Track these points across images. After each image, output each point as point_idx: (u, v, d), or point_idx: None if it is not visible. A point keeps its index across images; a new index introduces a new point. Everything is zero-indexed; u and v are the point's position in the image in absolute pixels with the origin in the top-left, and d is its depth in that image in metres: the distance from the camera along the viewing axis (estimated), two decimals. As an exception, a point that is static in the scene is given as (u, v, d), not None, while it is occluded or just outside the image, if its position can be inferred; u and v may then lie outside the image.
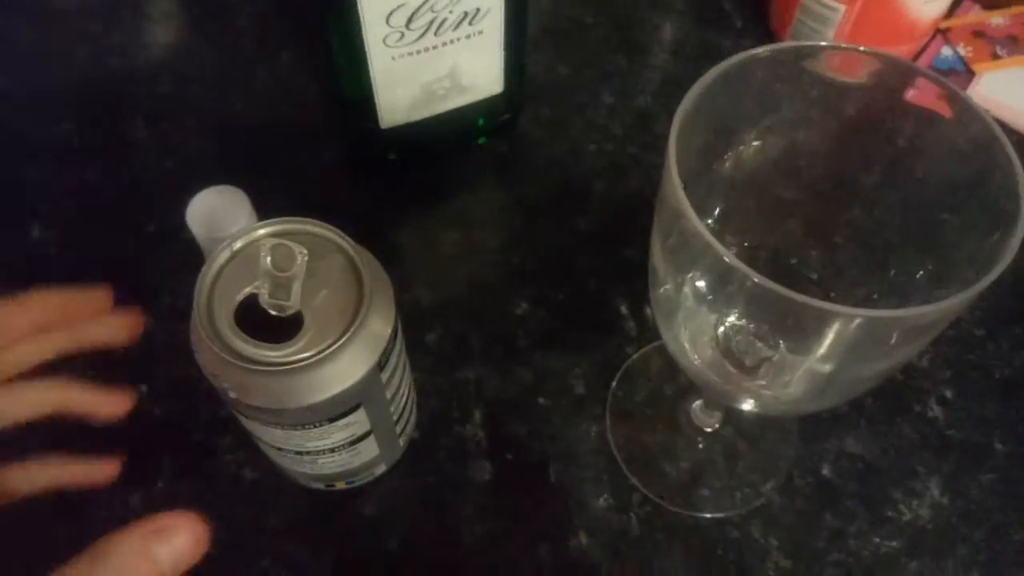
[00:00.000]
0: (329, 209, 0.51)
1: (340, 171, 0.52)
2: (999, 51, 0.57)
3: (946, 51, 0.58)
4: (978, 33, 0.59)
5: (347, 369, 0.31)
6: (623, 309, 0.46)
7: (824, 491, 0.41)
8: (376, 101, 0.45)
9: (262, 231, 0.32)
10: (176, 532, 0.25)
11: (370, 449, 0.37)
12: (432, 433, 0.42)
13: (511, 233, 0.50)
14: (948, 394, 0.44)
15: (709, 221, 0.35)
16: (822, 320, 0.27)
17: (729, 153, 0.33)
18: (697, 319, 0.32)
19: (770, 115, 0.32)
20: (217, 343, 0.30)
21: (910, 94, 0.30)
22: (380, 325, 0.32)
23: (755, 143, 0.33)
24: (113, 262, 0.48)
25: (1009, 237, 0.25)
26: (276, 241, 0.31)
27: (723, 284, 0.28)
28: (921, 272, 0.32)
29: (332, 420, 0.33)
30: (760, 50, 0.30)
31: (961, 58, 0.57)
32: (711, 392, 0.36)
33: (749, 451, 0.42)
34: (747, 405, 0.32)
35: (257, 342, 0.30)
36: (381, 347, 0.32)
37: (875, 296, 0.34)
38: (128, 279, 0.47)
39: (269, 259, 0.31)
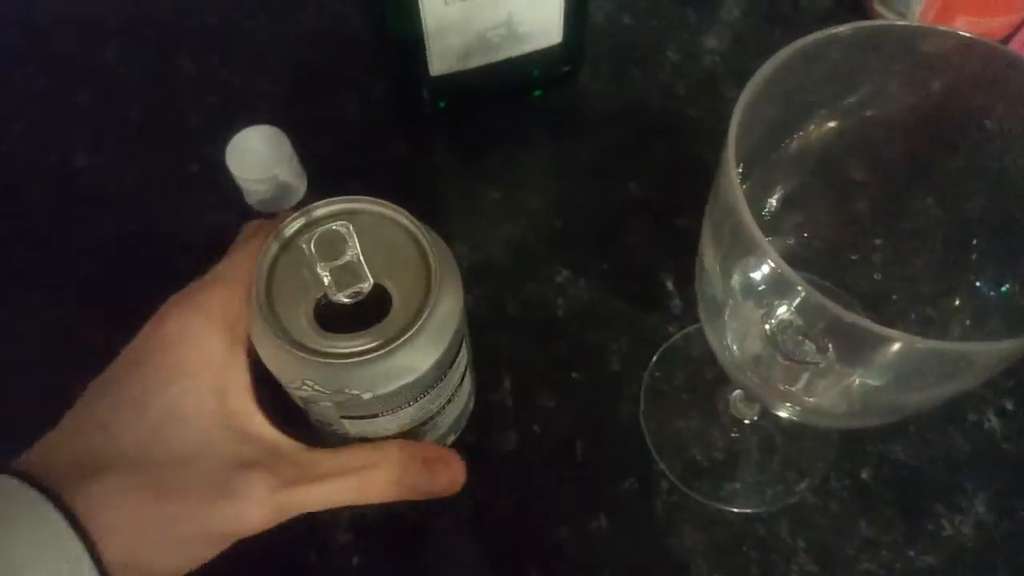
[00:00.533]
0: (371, 155, 0.50)
1: (386, 116, 0.50)
2: (1110, 29, 0.52)
3: (1051, 25, 0.53)
4: (1089, 7, 0.53)
5: (431, 343, 0.29)
6: (669, 285, 0.44)
7: (862, 496, 0.39)
8: (427, 46, 0.43)
9: (302, 220, 0.30)
10: (444, 468, 0.32)
11: (444, 422, 0.36)
12: (459, 399, 0.41)
13: (558, 194, 0.48)
14: (1009, 406, 0.41)
15: (771, 200, 0.32)
16: (872, 340, 0.25)
17: (798, 134, 0.30)
18: (743, 312, 0.30)
19: (845, 96, 0.29)
20: (298, 345, 0.28)
21: (1001, 75, 0.27)
22: (454, 298, 0.31)
23: (828, 124, 0.30)
24: (153, 195, 0.47)
25: None
26: (316, 231, 0.29)
27: (774, 283, 0.26)
28: (1006, 285, 0.29)
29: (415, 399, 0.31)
30: (841, 29, 0.27)
31: (1066, 34, 0.52)
32: (751, 392, 0.34)
33: (786, 447, 0.41)
34: (783, 412, 0.30)
35: (355, 332, 0.28)
36: (457, 319, 0.31)
37: (944, 306, 0.31)
38: (167, 215, 0.47)
39: (314, 250, 0.29)
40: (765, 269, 0.25)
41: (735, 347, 0.31)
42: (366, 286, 0.29)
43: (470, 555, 0.38)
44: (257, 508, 0.28)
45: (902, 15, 0.50)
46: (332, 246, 0.29)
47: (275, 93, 0.51)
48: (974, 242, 0.30)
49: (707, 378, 0.42)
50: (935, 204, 0.32)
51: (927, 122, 0.28)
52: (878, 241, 0.34)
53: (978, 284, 0.30)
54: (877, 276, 0.33)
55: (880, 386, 0.28)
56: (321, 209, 0.30)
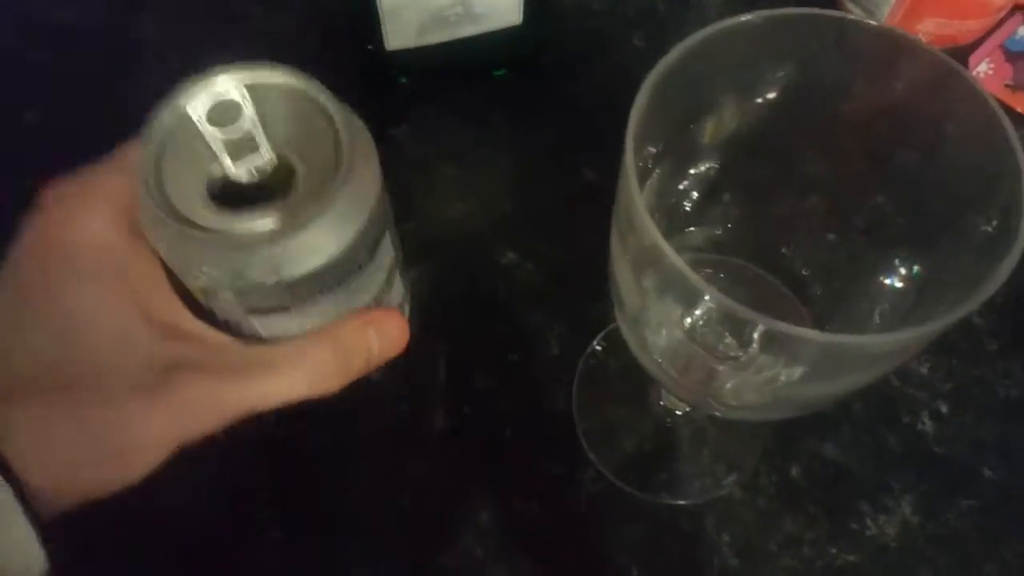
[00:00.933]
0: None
1: (346, 88, 0.50)
2: (1083, 37, 0.52)
3: (1022, 31, 0.53)
4: (1063, 14, 0.53)
5: (340, 224, 0.26)
6: (614, 272, 0.44)
7: (789, 492, 0.39)
8: (381, 20, 0.43)
9: (200, 88, 0.26)
10: (386, 324, 0.30)
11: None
12: (392, 378, 0.41)
13: (512, 176, 0.47)
14: (944, 408, 0.41)
15: (693, 193, 0.32)
16: (781, 338, 0.24)
17: (714, 122, 0.30)
18: (660, 310, 0.30)
19: (761, 83, 0.29)
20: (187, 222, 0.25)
21: (912, 63, 0.26)
22: (368, 177, 0.28)
23: (744, 112, 0.30)
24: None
25: (1000, 260, 0.22)
26: (212, 100, 0.26)
27: (682, 287, 0.25)
28: (916, 267, 0.29)
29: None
30: (750, 16, 0.26)
31: (1038, 41, 0.52)
32: (668, 388, 0.33)
33: (717, 439, 0.40)
34: (700, 405, 0.30)
35: (254, 208, 0.25)
36: (372, 201, 0.28)
37: (868, 291, 0.31)
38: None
39: (208, 119, 0.25)
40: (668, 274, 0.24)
41: (654, 341, 0.31)
42: (267, 158, 0.26)
43: (393, 535, 0.38)
44: (197, 409, 0.25)
45: (871, 14, 0.49)
46: (230, 114, 0.26)
47: (238, 60, 0.51)
48: (890, 226, 0.29)
49: (642, 367, 0.42)
50: (854, 189, 0.31)
51: (844, 110, 0.28)
52: (803, 225, 0.33)
53: (897, 266, 0.30)
54: (803, 260, 0.33)
55: (793, 382, 0.27)
56: (220, 75, 0.27)
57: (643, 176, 0.28)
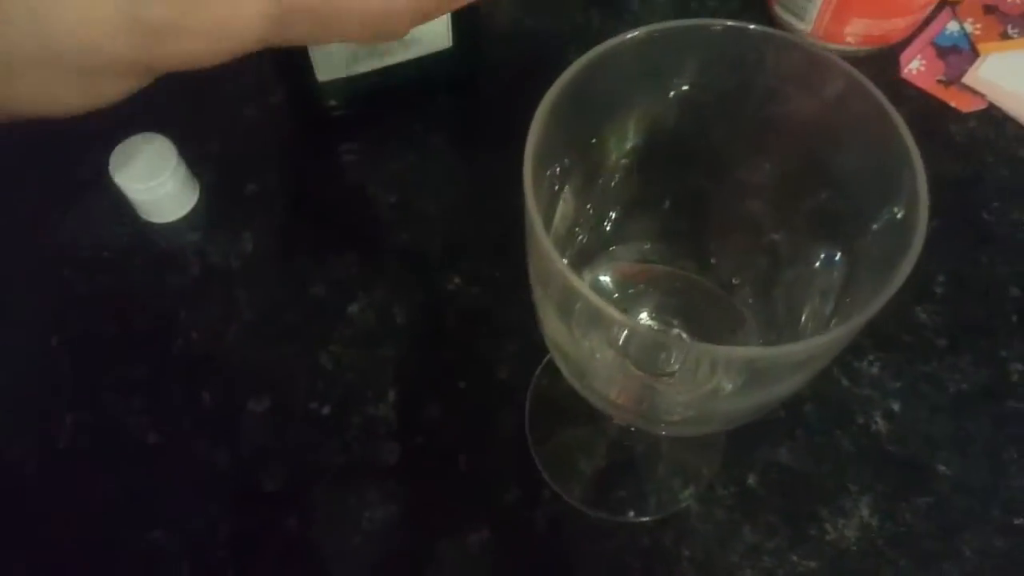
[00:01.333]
0: (269, 161, 0.49)
1: (284, 121, 0.50)
2: (1010, 30, 0.52)
3: (952, 26, 0.53)
4: (989, 8, 0.54)
5: None
6: (561, 291, 0.44)
7: (746, 502, 0.39)
8: (310, 52, 0.42)
9: None
10: None
11: None
12: (343, 411, 0.41)
13: (455, 201, 0.47)
14: (896, 407, 0.41)
15: (611, 213, 0.32)
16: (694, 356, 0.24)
17: (613, 142, 0.30)
18: (590, 344, 0.29)
19: (655, 96, 0.28)
20: None
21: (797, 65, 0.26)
22: None
23: (644, 127, 0.30)
24: (34, 207, 0.46)
25: (897, 266, 0.22)
26: None
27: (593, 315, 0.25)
28: (837, 254, 0.29)
29: None
30: (636, 32, 0.26)
31: (967, 35, 0.53)
32: (612, 413, 0.33)
33: (672, 453, 0.40)
34: (641, 424, 0.30)
35: None
36: None
37: (795, 293, 0.31)
38: (48, 227, 0.46)
39: None
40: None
41: (591, 370, 0.30)
42: None
43: (349, 570, 0.37)
44: None
45: (799, 17, 0.50)
46: None
47: (170, 99, 0.50)
48: (811, 223, 0.29)
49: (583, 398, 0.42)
50: (772, 192, 0.30)
51: (748, 117, 0.28)
52: (726, 231, 0.33)
53: (822, 261, 0.29)
54: (731, 264, 0.33)
55: (737, 389, 0.27)
56: None
57: (551, 202, 0.28)
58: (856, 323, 0.21)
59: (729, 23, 0.26)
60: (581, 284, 0.21)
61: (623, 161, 0.29)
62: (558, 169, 0.27)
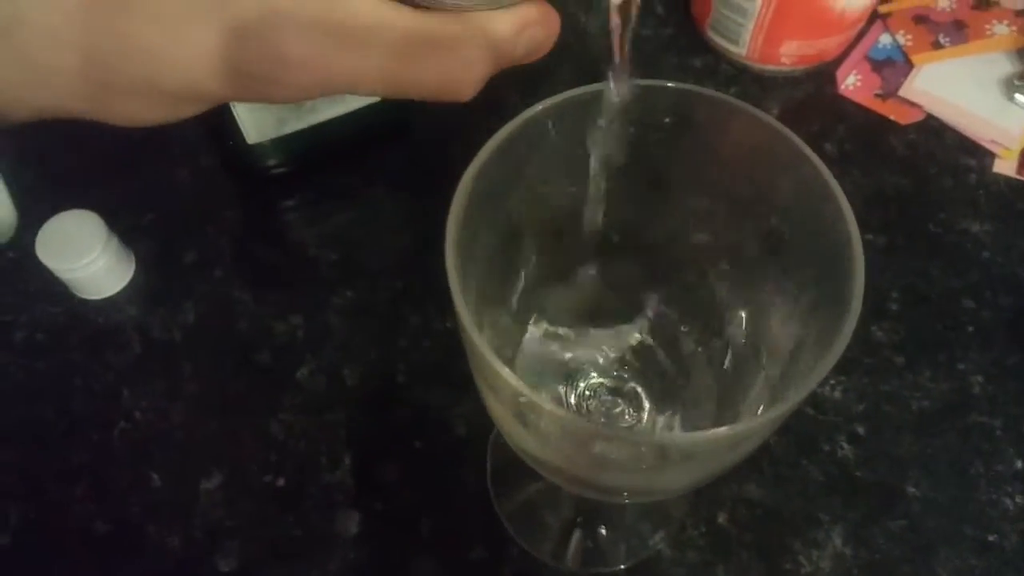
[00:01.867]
0: (206, 226, 0.48)
1: (220, 184, 0.48)
2: (942, 39, 0.53)
3: (885, 39, 0.54)
4: (920, 18, 0.54)
5: None
6: (514, 338, 0.43)
7: (718, 542, 0.38)
8: (237, 116, 0.41)
9: None
10: (539, 24, 0.24)
11: None
12: (298, 482, 0.39)
13: (399, 253, 0.46)
14: (861, 430, 0.40)
15: (518, 283, 0.31)
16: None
17: (528, 209, 0.29)
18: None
19: (547, 169, 0.29)
20: None
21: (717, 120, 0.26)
22: None
23: (543, 195, 0.29)
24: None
25: (837, 336, 0.21)
26: None
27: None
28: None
29: None
30: (537, 108, 0.27)
31: (900, 48, 0.53)
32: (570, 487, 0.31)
33: (639, 498, 0.39)
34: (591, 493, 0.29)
35: None
36: None
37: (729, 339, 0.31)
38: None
39: None
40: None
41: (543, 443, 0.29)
42: None
43: (313, 651, 0.36)
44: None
45: (733, 41, 0.50)
46: None
47: (99, 171, 0.49)
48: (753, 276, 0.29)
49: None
50: (710, 246, 0.30)
51: (677, 172, 0.27)
52: (670, 283, 0.32)
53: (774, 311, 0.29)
54: (676, 316, 0.32)
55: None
56: None
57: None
58: (789, 406, 0.20)
59: (646, 82, 0.25)
60: (499, 363, 0.21)
61: (546, 225, 0.28)
62: (486, 249, 0.26)
